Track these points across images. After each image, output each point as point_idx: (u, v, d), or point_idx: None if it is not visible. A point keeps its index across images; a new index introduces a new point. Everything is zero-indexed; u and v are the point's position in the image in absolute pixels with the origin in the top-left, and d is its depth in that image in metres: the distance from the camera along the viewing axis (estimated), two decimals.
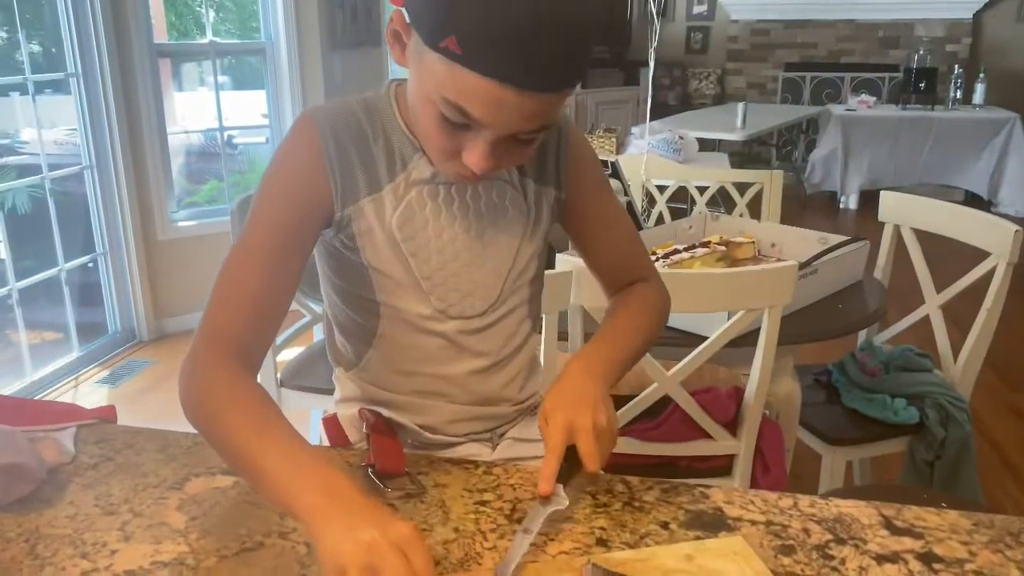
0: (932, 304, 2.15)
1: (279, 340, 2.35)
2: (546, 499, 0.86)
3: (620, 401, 1.73)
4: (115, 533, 0.88)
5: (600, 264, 1.16)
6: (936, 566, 0.82)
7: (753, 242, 2.25)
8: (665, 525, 0.89)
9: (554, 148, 1.05)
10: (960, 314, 2.08)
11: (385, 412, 1.06)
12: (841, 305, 2.02)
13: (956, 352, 2.08)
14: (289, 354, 2.45)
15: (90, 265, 3.58)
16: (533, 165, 1.04)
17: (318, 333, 2.67)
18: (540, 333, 1.18)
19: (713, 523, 0.89)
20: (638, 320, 1.10)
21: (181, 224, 3.74)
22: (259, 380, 0.90)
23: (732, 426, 1.83)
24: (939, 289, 2.14)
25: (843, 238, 2.16)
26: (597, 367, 0.99)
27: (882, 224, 2.28)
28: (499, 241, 1.02)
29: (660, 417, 1.91)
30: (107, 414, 1.12)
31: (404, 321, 1.02)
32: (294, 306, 2.51)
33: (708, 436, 1.80)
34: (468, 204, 1.00)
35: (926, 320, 2.17)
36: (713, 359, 1.72)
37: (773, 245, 2.31)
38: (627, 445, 1.80)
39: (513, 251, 1.04)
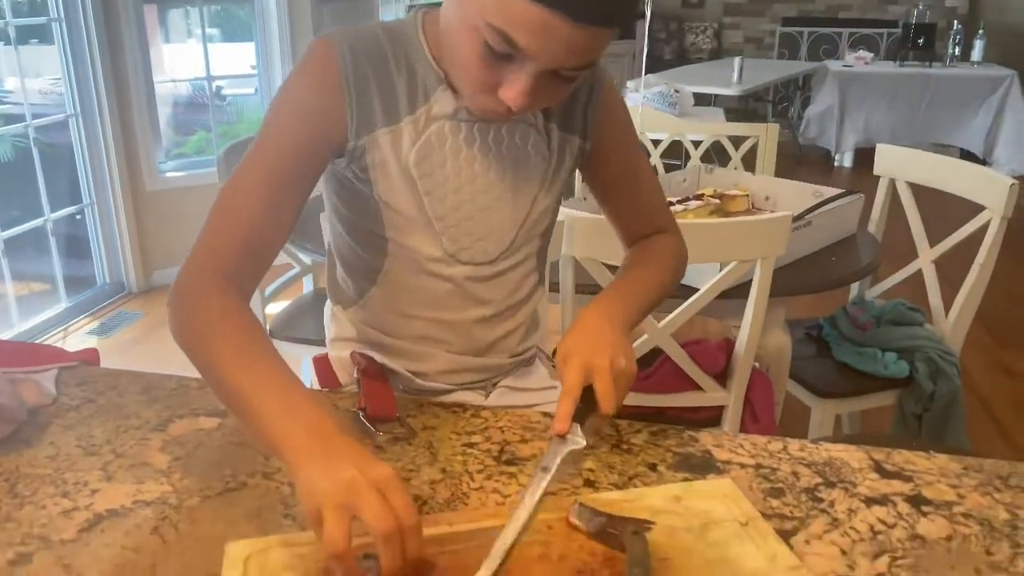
0: (925, 258, 2.14)
1: (267, 291, 2.33)
2: (562, 438, 0.85)
3: None
4: (96, 473, 0.86)
5: (621, 216, 1.14)
6: (925, 508, 0.81)
7: (747, 195, 2.23)
8: (653, 467, 0.88)
9: (584, 96, 1.01)
10: (952, 271, 2.07)
11: (378, 357, 1.04)
12: (834, 258, 2.00)
13: (947, 307, 2.08)
14: (278, 306, 2.43)
15: (78, 217, 3.54)
16: (560, 111, 1.00)
17: (307, 284, 2.65)
18: (544, 287, 1.15)
19: (701, 466, 0.88)
20: (656, 271, 1.08)
21: (169, 175, 3.69)
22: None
23: (722, 378, 1.83)
24: (932, 244, 2.13)
25: (838, 191, 2.14)
26: (616, 312, 0.97)
27: (877, 180, 2.25)
28: (518, 186, 0.99)
29: (650, 368, 1.90)
30: (89, 357, 1.10)
31: (412, 261, 0.99)
32: (283, 257, 2.50)
33: (698, 387, 1.80)
34: (490, 145, 0.96)
35: (918, 275, 2.16)
36: (704, 311, 1.71)
37: (767, 198, 2.28)
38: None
39: (531, 198, 1.01)
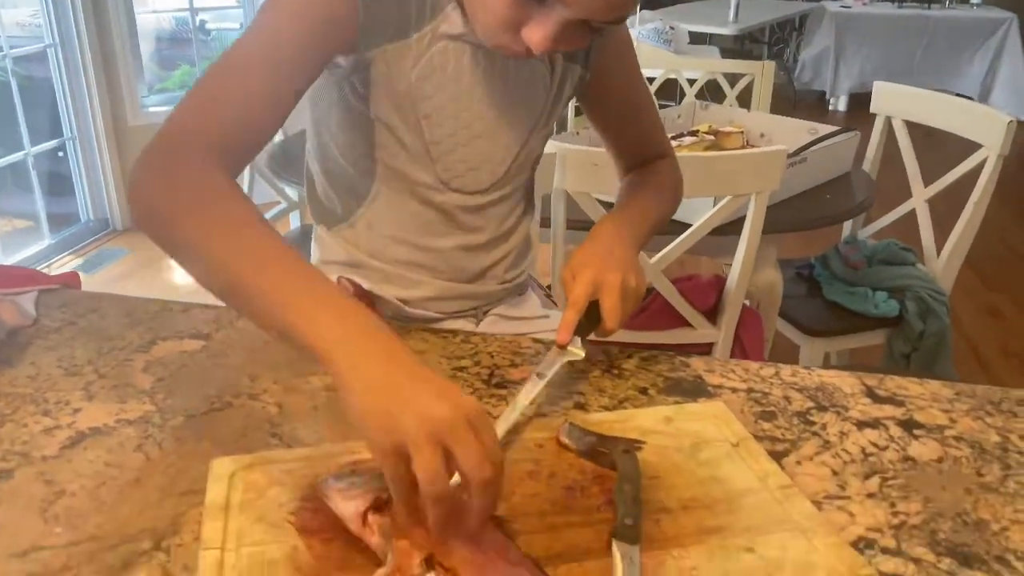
0: (919, 198, 2.12)
1: None
2: (562, 349, 0.85)
3: None
4: (78, 393, 0.85)
5: (621, 146, 1.12)
6: (916, 432, 0.81)
7: (742, 132, 2.19)
8: (644, 391, 0.87)
9: None
10: (945, 214, 2.05)
11: (365, 284, 1.02)
12: (828, 196, 1.98)
13: (939, 248, 2.07)
14: None
15: (60, 154, 3.47)
16: None
17: (294, 220, 2.62)
18: (534, 212, 1.13)
19: (693, 390, 0.87)
20: (660, 197, 1.07)
21: (152, 110, 3.61)
22: None
23: (712, 314, 1.82)
24: (927, 185, 2.11)
25: (834, 128, 2.11)
26: (627, 230, 0.96)
27: (872, 124, 2.22)
28: (517, 117, 0.97)
29: (640, 305, 1.89)
30: (70, 280, 1.08)
31: (402, 185, 0.97)
32: (270, 194, 2.46)
33: (688, 324, 1.79)
34: (493, 73, 0.92)
35: (910, 217, 2.14)
36: (696, 249, 1.69)
37: (762, 135, 2.25)
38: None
39: (528, 130, 0.99)
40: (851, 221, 2.30)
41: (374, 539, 0.61)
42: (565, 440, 0.75)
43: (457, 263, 1.03)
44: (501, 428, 0.74)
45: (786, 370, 0.91)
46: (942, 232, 2.04)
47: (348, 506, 0.64)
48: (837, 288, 2.12)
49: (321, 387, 0.86)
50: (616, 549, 0.60)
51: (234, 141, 0.76)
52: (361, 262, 1.02)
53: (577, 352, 0.85)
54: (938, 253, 2.07)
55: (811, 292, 2.17)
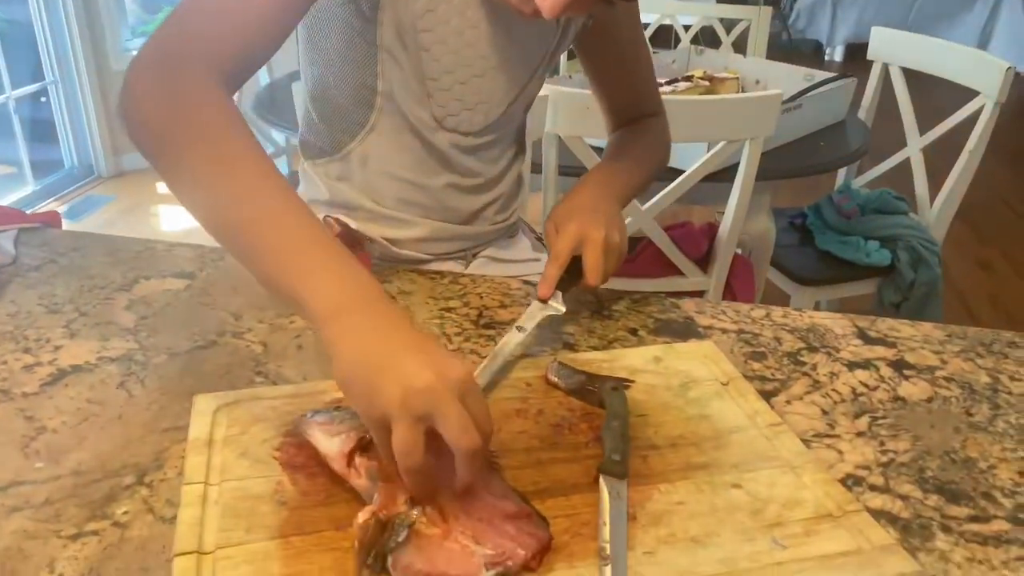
0: (914, 146, 2.10)
1: None
2: (543, 303, 0.83)
3: None
4: (59, 330, 0.83)
5: (613, 98, 1.09)
6: (907, 372, 0.80)
7: (737, 78, 2.17)
8: (634, 332, 0.86)
9: None
10: (939, 166, 2.04)
11: (353, 223, 1.00)
12: (823, 143, 1.96)
13: (932, 198, 2.05)
14: None
15: (43, 99, 3.40)
16: None
17: (282, 167, 2.59)
18: (524, 156, 1.12)
19: (683, 331, 0.86)
20: (646, 156, 1.06)
21: (136, 54, 3.53)
22: None
23: (704, 262, 1.81)
24: (922, 134, 2.09)
25: (830, 75, 2.08)
26: (612, 186, 0.94)
27: (869, 68, 2.19)
28: (518, 60, 0.95)
29: (632, 254, 1.88)
30: (51, 219, 1.06)
31: (398, 120, 0.94)
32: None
33: (679, 272, 1.78)
34: (498, 12, 0.89)
35: (904, 167, 2.13)
36: (689, 196, 1.67)
37: (757, 82, 2.22)
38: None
39: (529, 73, 0.97)
40: (844, 170, 2.28)
41: (360, 481, 0.60)
42: (553, 378, 0.74)
43: (449, 203, 1.02)
44: (481, 382, 0.72)
45: (777, 311, 0.91)
46: (935, 183, 2.03)
47: (331, 444, 0.63)
48: (829, 237, 2.11)
49: (306, 326, 0.85)
50: (603, 483, 0.60)
51: (234, 57, 0.70)
52: (350, 201, 0.99)
53: (558, 307, 0.83)
54: (931, 203, 2.06)
55: (803, 241, 2.16)
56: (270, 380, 0.76)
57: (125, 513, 0.61)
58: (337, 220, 1.00)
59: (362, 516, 0.56)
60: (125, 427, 0.70)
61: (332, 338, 0.58)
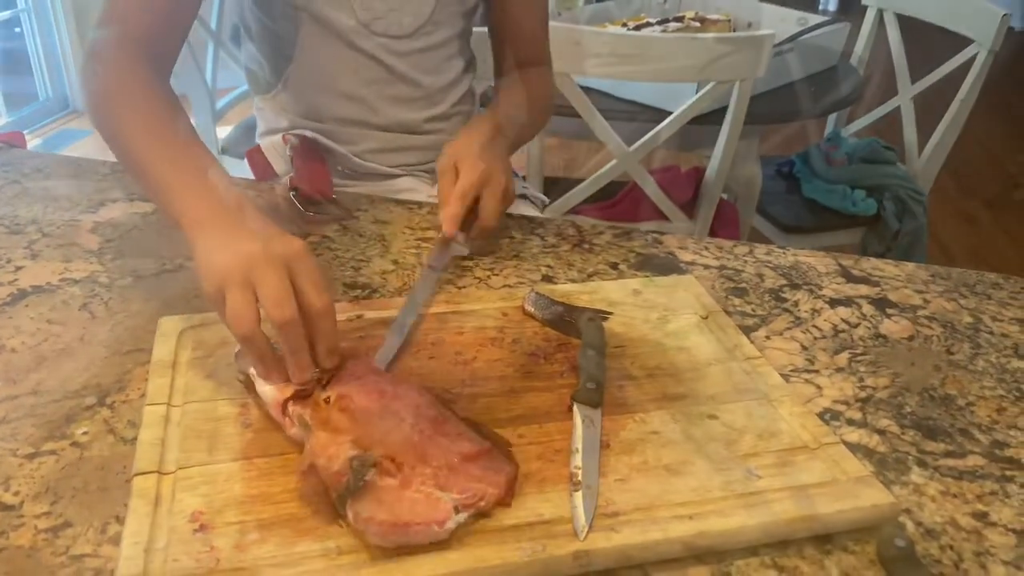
0: (905, 94, 2.08)
1: (217, 108, 2.20)
2: (448, 242, 0.80)
3: (573, 182, 1.67)
4: (21, 251, 0.81)
5: (506, 32, 1.04)
6: (889, 311, 0.79)
7: (729, 20, 2.12)
8: (614, 266, 0.84)
9: None
10: (929, 117, 2.01)
11: (310, 133, 0.98)
12: (814, 88, 1.93)
13: (921, 148, 2.03)
14: (228, 129, 2.31)
15: (16, 29, 3.30)
16: None
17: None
18: (475, 69, 1.10)
19: (664, 266, 0.85)
20: (534, 107, 1.01)
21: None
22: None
23: (689, 207, 1.79)
24: (914, 80, 2.06)
25: (823, 18, 2.04)
26: (507, 132, 0.91)
27: (863, 15, 2.15)
28: None
29: (614, 199, 1.86)
30: (15, 139, 1.02)
31: (324, 31, 0.93)
32: (231, 79, 2.35)
33: (663, 216, 1.76)
34: None
35: (893, 117, 2.10)
36: (676, 141, 1.64)
37: (750, 24, 2.18)
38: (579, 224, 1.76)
39: None
40: (834, 118, 2.26)
41: (294, 430, 0.57)
42: (530, 309, 0.72)
43: (394, 115, 1.00)
44: (406, 324, 0.68)
45: (761, 248, 0.89)
46: (925, 134, 2.01)
47: (266, 390, 0.59)
48: (816, 185, 2.09)
49: None
50: (577, 411, 0.58)
51: (160, 39, 0.79)
52: (300, 125, 0.99)
53: (462, 248, 0.80)
54: (919, 153, 2.04)
55: (790, 190, 2.14)
56: None
57: (84, 434, 0.59)
58: (296, 135, 0.98)
59: (301, 466, 0.53)
60: (87, 348, 0.68)
61: (193, 246, 0.62)
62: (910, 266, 0.87)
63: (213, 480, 0.54)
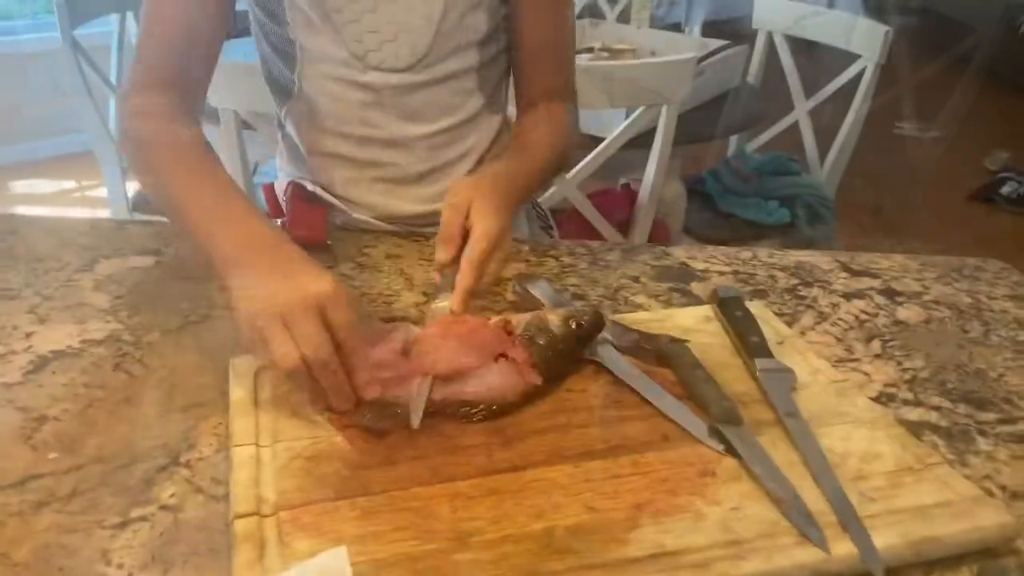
0: (801, 109, 2.22)
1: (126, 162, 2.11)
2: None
3: None
4: (25, 317, 0.75)
5: (525, 61, 0.96)
6: (899, 299, 0.85)
7: (633, 50, 2.21)
8: (636, 279, 0.86)
9: None
10: (825, 127, 2.16)
11: (309, 186, 0.94)
12: (725, 108, 2.03)
13: (823, 157, 2.17)
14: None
15: None
16: None
17: None
18: (503, 113, 1.01)
19: (682, 275, 0.87)
20: (554, 150, 0.93)
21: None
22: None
23: (625, 227, 1.84)
24: (808, 96, 2.21)
25: (722, 42, 2.16)
26: (521, 185, 0.84)
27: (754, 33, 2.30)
28: None
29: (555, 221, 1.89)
30: None
31: (321, 66, 0.88)
32: None
33: (600, 238, 1.81)
34: None
35: (792, 130, 2.24)
36: (605, 167, 1.69)
37: (653, 53, 2.27)
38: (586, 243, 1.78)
39: None
40: (736, 136, 2.38)
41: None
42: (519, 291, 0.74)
43: (400, 158, 0.93)
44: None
45: (762, 252, 0.93)
46: (823, 146, 2.14)
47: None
48: (730, 200, 2.20)
49: None
50: (728, 434, 0.59)
51: (184, 67, 0.81)
52: (300, 164, 0.96)
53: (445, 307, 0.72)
54: (821, 163, 2.18)
55: (705, 205, 2.23)
56: None
57: (172, 496, 0.56)
58: (292, 181, 0.95)
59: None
60: (137, 409, 0.64)
61: (227, 285, 0.65)
62: (898, 257, 0.93)
63: (319, 522, 0.52)
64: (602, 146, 1.63)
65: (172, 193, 0.72)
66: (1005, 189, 3.34)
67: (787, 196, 2.16)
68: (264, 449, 0.57)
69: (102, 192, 3.07)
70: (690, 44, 2.19)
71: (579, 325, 0.66)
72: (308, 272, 0.62)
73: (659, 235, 1.96)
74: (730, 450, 0.59)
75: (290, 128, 0.95)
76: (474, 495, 0.55)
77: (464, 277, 0.70)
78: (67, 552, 0.51)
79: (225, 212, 0.69)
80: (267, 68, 0.94)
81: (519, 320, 0.67)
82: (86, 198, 3.21)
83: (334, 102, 0.91)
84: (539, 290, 0.76)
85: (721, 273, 0.88)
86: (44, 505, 0.54)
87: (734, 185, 2.22)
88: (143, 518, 0.54)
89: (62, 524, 0.53)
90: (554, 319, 0.66)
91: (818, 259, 0.92)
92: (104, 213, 2.10)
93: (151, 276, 0.82)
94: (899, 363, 0.73)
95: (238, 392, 0.62)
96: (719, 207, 2.20)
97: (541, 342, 0.65)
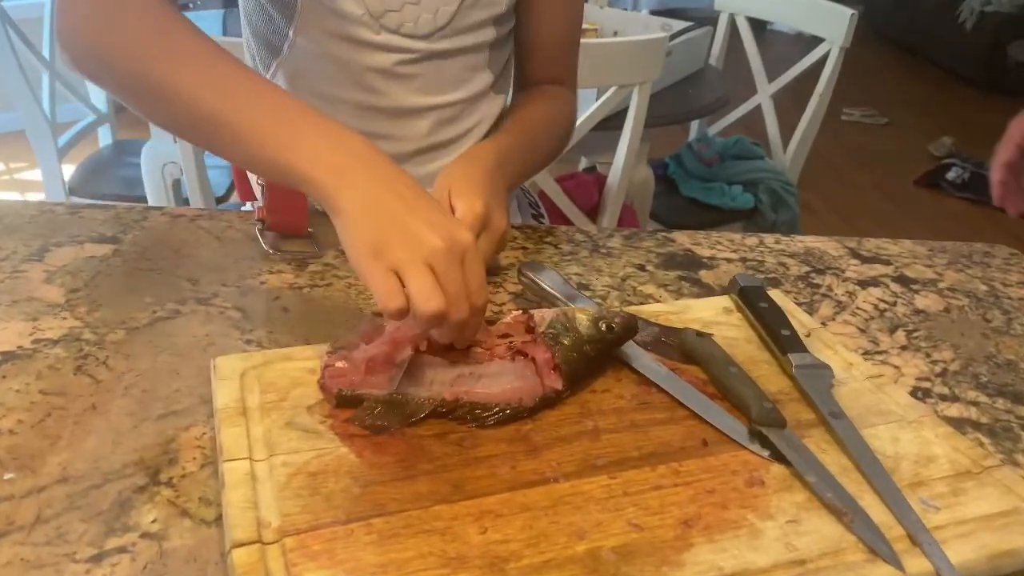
0: (764, 93, 2.20)
1: (61, 142, 1.97)
2: None
3: None
4: None
5: (528, 42, 0.92)
6: (914, 287, 0.81)
7: (596, 29, 2.15)
8: (642, 267, 0.81)
9: None
10: (789, 110, 2.14)
11: None
12: (691, 90, 2.00)
13: (786, 142, 2.16)
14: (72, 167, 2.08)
15: None
16: None
17: (104, 136, 2.29)
18: (507, 93, 0.96)
19: (689, 263, 0.82)
20: (550, 131, 0.91)
21: None
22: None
23: (593, 213, 1.79)
24: (770, 80, 2.19)
25: (686, 23, 2.12)
26: (512, 161, 0.79)
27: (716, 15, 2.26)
28: None
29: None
30: None
31: (326, 21, 0.79)
32: (73, 112, 2.11)
33: (569, 223, 1.75)
34: None
35: (754, 113, 2.22)
36: (576, 149, 1.64)
37: (615, 33, 2.22)
38: (584, 229, 1.73)
39: None
40: (699, 120, 2.35)
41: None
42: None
43: (394, 131, 0.86)
44: None
45: (768, 238, 0.89)
46: (787, 129, 2.13)
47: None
48: (693, 185, 2.17)
49: (284, 285, 0.72)
50: (773, 438, 0.54)
51: None
52: None
53: None
54: (784, 148, 2.16)
55: (668, 189, 2.20)
56: (264, 348, 0.64)
57: (154, 522, 0.48)
58: None
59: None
60: (105, 419, 0.56)
61: (335, 197, 0.57)
62: (906, 243, 0.90)
63: (331, 548, 0.46)
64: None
65: (211, 104, 0.61)
66: (950, 175, 3.39)
67: (751, 181, 2.14)
68: (259, 464, 0.50)
69: (33, 175, 2.91)
70: (652, 23, 2.15)
71: (610, 328, 0.60)
72: (445, 215, 0.58)
73: (628, 220, 1.92)
74: (776, 456, 0.54)
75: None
76: (503, 513, 0.49)
77: None
78: None
79: (303, 120, 0.60)
80: (252, 23, 0.84)
81: (542, 316, 0.61)
82: (15, 181, 3.03)
83: (333, 64, 0.82)
84: (547, 280, 0.70)
85: (728, 260, 0.83)
86: (3, 536, 0.46)
87: (696, 170, 2.19)
88: (122, 549, 0.46)
89: (26, 558, 0.45)
90: (583, 318, 0.60)
91: (825, 244, 0.88)
92: (39, 197, 1.97)
93: (110, 266, 0.74)
94: (927, 355, 0.70)
95: (223, 398, 0.54)
96: (681, 192, 2.17)
97: (566, 342, 0.59)
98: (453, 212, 0.68)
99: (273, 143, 0.59)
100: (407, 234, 0.55)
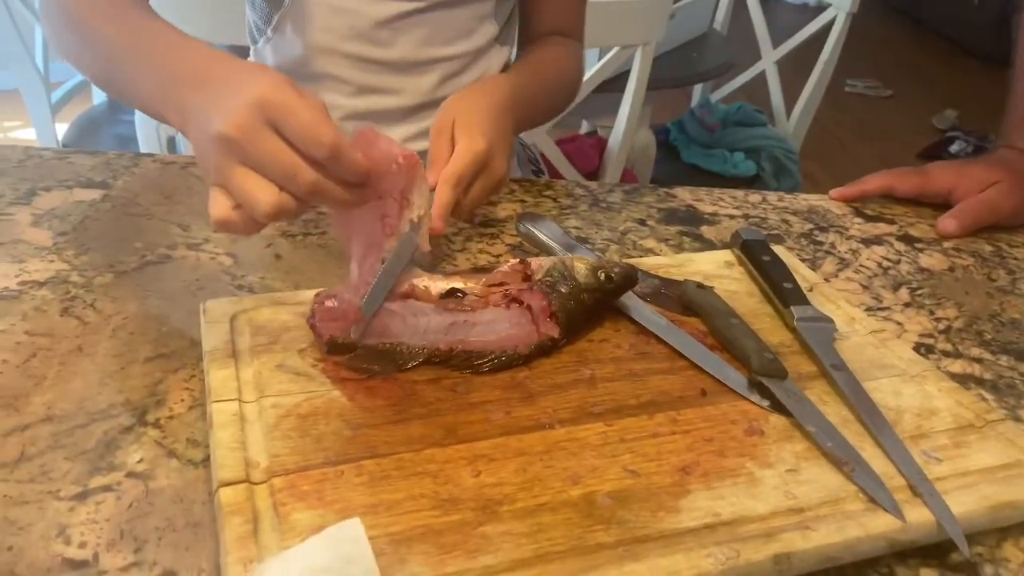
0: (768, 60, 2.17)
1: (54, 99, 1.94)
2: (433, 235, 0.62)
3: None
4: None
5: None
6: (918, 245, 0.80)
7: None
8: (642, 222, 0.79)
9: None
10: (792, 77, 2.11)
11: None
12: (695, 54, 1.97)
13: (789, 111, 2.13)
14: (65, 126, 2.05)
15: None
16: None
17: (98, 93, 2.25)
18: (512, 46, 0.95)
19: (690, 218, 0.81)
20: (559, 79, 0.90)
21: None
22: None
23: (593, 177, 1.77)
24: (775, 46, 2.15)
25: None
26: (521, 101, 0.77)
27: None
28: None
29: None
30: None
31: None
32: (68, 69, 2.08)
33: None
34: None
35: (757, 80, 2.19)
36: (577, 111, 1.62)
37: None
38: (584, 183, 1.71)
39: None
40: (701, 85, 2.32)
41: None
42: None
43: (399, 83, 0.85)
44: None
45: (771, 196, 0.87)
46: (791, 96, 2.10)
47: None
48: (695, 151, 2.14)
49: (277, 232, 0.71)
50: (773, 388, 0.53)
51: None
52: (296, 73, 0.83)
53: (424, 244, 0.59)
54: (787, 115, 2.13)
55: (669, 156, 2.17)
56: (256, 293, 0.63)
57: (140, 461, 0.47)
58: None
59: None
60: (92, 360, 0.54)
61: (186, 117, 0.53)
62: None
63: (320, 489, 0.45)
64: None
65: (101, 37, 0.64)
66: (953, 148, 3.37)
67: (752, 148, 2.12)
68: (249, 405, 0.49)
69: (27, 133, 2.87)
70: None
71: (608, 277, 0.58)
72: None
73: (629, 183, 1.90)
74: (775, 406, 0.53)
75: (267, 52, 0.84)
76: (497, 457, 0.48)
77: (438, 194, 0.63)
78: (16, 528, 0.42)
79: (177, 40, 0.59)
80: None
81: (539, 264, 0.59)
82: (8, 140, 3.00)
83: (337, 15, 0.80)
84: (546, 231, 0.68)
85: (731, 217, 0.82)
86: None
87: (699, 136, 2.17)
88: (107, 487, 0.45)
89: (9, 495, 0.44)
90: (581, 267, 0.58)
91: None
92: None
93: (99, 211, 0.72)
94: (931, 312, 0.68)
95: (212, 340, 0.53)
96: (683, 158, 2.14)
97: (563, 290, 0.57)
98: (454, 146, 0.66)
99: (140, 73, 0.60)
100: (210, 144, 0.49)
